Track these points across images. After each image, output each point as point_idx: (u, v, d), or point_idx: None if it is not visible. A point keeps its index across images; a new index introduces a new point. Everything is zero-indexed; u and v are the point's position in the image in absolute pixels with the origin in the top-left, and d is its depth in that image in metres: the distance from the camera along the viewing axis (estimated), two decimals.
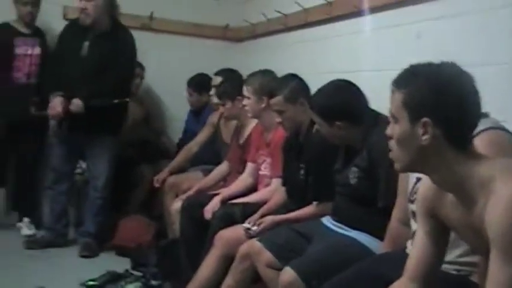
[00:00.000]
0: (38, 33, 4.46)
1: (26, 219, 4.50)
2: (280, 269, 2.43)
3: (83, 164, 4.50)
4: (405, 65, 1.59)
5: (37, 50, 4.40)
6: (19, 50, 4.35)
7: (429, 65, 1.54)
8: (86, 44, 4.04)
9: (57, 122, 4.19)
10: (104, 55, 4.01)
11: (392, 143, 1.58)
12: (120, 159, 4.31)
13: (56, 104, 3.98)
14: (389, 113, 1.58)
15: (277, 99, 2.95)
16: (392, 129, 1.57)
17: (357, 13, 3.46)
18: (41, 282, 3.41)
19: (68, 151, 4.25)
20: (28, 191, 4.57)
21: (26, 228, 4.46)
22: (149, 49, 4.58)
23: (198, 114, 4.73)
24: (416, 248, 1.68)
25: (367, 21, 3.39)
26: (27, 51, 4.38)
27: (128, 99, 4.20)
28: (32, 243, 4.22)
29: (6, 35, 4.35)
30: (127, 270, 3.69)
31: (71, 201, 4.44)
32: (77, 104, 3.93)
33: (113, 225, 4.27)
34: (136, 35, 4.27)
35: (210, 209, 3.30)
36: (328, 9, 3.74)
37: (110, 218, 4.31)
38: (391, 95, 1.57)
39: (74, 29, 4.16)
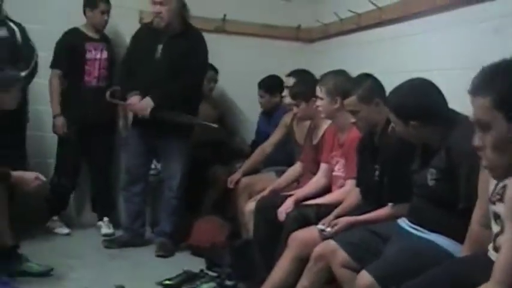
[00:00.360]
0: (105, 38, 4.63)
1: (105, 219, 4.65)
2: (355, 269, 2.40)
3: (157, 165, 4.59)
4: (483, 62, 1.53)
5: (105, 54, 4.57)
6: (89, 55, 4.52)
7: (508, 61, 1.48)
8: (160, 46, 4.13)
9: (132, 121, 4.30)
10: (177, 57, 4.09)
11: (486, 153, 1.51)
12: (194, 161, 4.37)
13: (135, 100, 4.09)
14: (475, 121, 1.52)
15: (351, 99, 2.91)
16: (482, 139, 1.50)
17: (433, 10, 3.38)
18: (119, 281, 3.49)
19: (141, 153, 4.34)
20: (104, 192, 4.74)
21: (105, 227, 4.62)
22: (222, 51, 4.63)
23: (269, 115, 4.73)
24: (505, 251, 1.61)
25: (442, 19, 3.32)
26: (97, 55, 4.53)
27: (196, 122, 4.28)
28: (110, 243, 4.34)
29: (78, 40, 4.51)
30: (202, 270, 3.73)
31: (146, 201, 4.53)
32: (146, 102, 4.04)
33: (188, 226, 4.33)
34: (210, 37, 4.32)
35: (284, 210, 3.29)
36: (402, 7, 3.68)
37: (185, 218, 4.38)
38: (473, 103, 1.51)
39: (147, 32, 4.26)
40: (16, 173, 3.45)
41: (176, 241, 4.31)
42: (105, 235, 4.52)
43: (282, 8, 5.10)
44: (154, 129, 4.13)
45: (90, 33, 4.55)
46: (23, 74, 3.92)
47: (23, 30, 4.11)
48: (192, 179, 4.35)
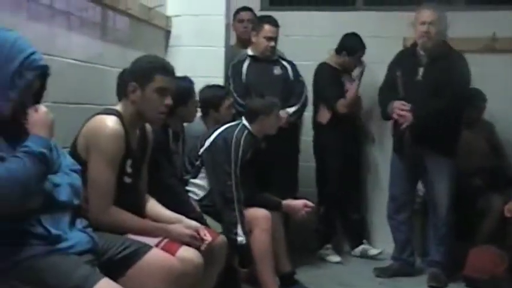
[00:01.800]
0: None
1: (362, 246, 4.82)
2: None
3: (422, 190, 4.46)
4: None
5: None
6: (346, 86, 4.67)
7: None
8: (421, 69, 4.08)
9: (398, 137, 4.20)
10: (439, 79, 4.00)
11: None
12: (466, 188, 4.22)
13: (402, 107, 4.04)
14: None
15: None
16: None
17: None
18: None
19: (406, 179, 4.27)
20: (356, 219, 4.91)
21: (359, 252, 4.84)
22: (491, 71, 4.40)
23: None
24: None
25: None
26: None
27: None
28: (381, 272, 4.32)
29: (339, 75, 4.68)
30: None
31: (413, 229, 4.44)
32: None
33: (462, 255, 4.14)
34: (476, 58, 4.15)
35: None
36: None
37: (457, 247, 4.20)
38: None
39: (406, 55, 4.25)
40: (285, 202, 3.64)
41: (449, 271, 4.15)
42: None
43: None
44: (418, 152, 4.06)
45: (336, 66, 4.69)
46: (293, 108, 4.19)
47: (294, 67, 4.38)
48: (464, 207, 4.19)
